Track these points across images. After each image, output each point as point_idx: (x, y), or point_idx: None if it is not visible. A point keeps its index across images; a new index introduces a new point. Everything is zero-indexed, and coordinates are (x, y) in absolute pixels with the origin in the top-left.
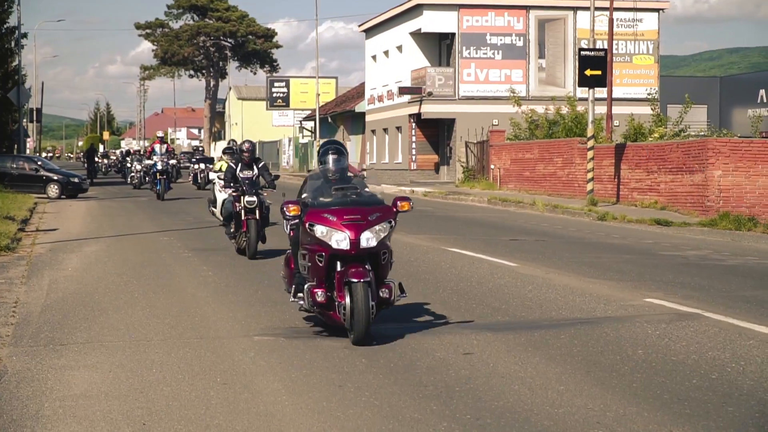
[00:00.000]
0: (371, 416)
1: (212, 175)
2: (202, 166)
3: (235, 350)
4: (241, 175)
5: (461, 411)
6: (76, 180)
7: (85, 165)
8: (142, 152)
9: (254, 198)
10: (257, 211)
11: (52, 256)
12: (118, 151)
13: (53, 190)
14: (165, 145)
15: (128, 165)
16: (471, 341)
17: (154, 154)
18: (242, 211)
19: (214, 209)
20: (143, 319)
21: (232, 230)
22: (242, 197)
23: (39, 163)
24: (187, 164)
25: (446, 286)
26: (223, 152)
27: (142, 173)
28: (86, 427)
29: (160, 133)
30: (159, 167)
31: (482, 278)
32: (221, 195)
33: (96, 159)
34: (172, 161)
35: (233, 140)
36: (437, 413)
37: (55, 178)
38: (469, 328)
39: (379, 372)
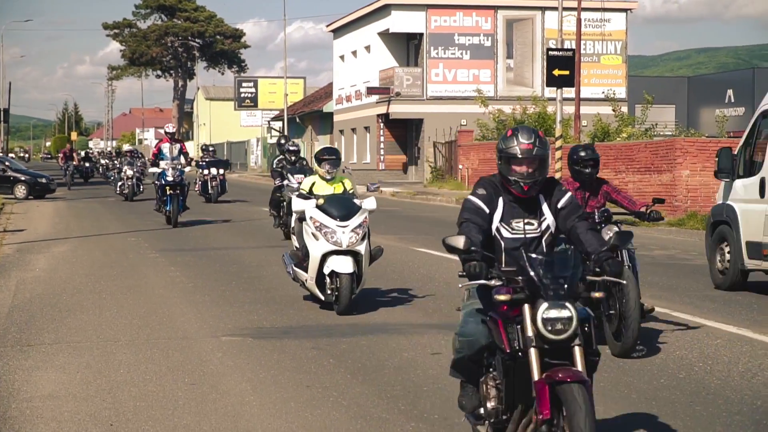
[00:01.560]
0: (339, 416)
1: (298, 204)
2: (214, 171)
3: (202, 350)
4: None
5: (429, 411)
6: (43, 180)
7: (66, 168)
8: (136, 153)
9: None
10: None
11: (20, 257)
12: (97, 151)
13: (20, 190)
14: (177, 144)
15: (117, 169)
16: (439, 341)
17: (162, 158)
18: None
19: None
20: (111, 319)
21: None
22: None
23: (6, 163)
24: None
25: (414, 286)
26: (293, 156)
27: (135, 181)
28: (54, 428)
29: (169, 128)
30: (169, 177)
31: (450, 278)
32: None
33: (74, 161)
34: (188, 168)
35: (284, 136)
36: (405, 413)
37: (23, 178)
38: (436, 328)
39: (347, 372)
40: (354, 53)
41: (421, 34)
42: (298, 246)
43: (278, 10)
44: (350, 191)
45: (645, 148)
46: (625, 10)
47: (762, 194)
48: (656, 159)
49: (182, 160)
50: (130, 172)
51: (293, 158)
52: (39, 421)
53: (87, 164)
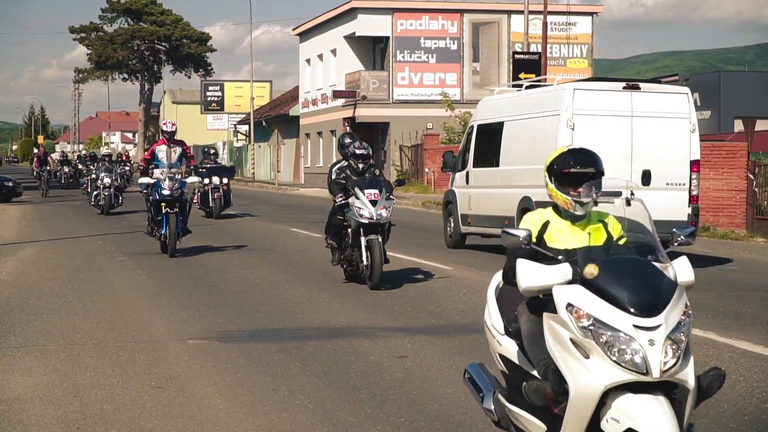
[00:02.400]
0: (305, 419)
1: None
2: (216, 180)
3: (169, 354)
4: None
5: (395, 414)
6: (9, 184)
7: (40, 173)
8: (115, 159)
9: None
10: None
11: None
12: (76, 155)
13: None
14: (178, 148)
15: (92, 176)
16: (405, 344)
17: (157, 164)
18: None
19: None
20: (78, 323)
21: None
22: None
23: None
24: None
25: (380, 290)
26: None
27: (112, 191)
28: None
29: (168, 125)
30: (165, 191)
31: (416, 282)
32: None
33: (50, 166)
34: (192, 179)
35: (350, 134)
36: (372, 416)
37: None
38: (403, 331)
39: (313, 375)
40: (320, 57)
41: (387, 38)
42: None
43: (246, 13)
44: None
45: None
46: (590, 14)
47: (467, 182)
48: None
49: (183, 167)
50: (107, 180)
51: (361, 166)
52: (6, 425)
53: (66, 168)
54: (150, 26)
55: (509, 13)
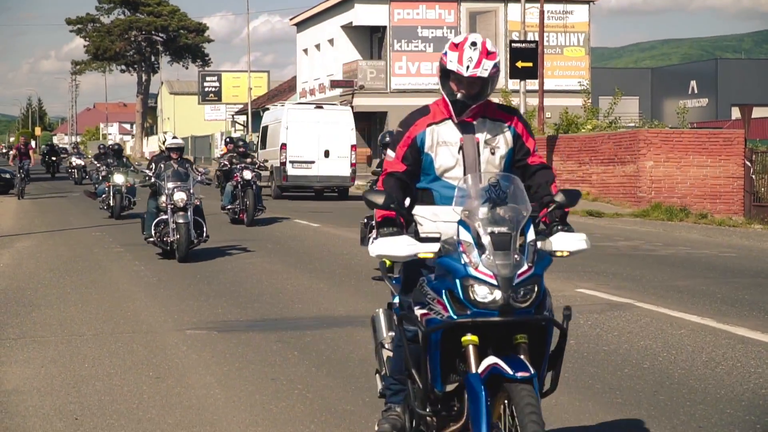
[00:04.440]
0: (304, 408)
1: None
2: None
3: (167, 344)
4: None
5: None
6: (7, 176)
7: (20, 168)
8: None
9: None
10: None
11: None
12: (69, 146)
13: None
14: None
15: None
16: None
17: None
18: None
19: None
20: (75, 314)
21: None
22: None
23: None
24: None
25: (378, 280)
26: None
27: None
28: (18, 423)
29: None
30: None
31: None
32: None
33: (31, 160)
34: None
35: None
36: (370, 404)
37: None
38: None
39: (312, 365)
40: (317, 47)
41: (385, 27)
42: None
43: (245, 3)
44: None
45: (609, 139)
46: (587, 2)
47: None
48: (620, 150)
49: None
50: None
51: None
52: (4, 416)
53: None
54: (147, 17)
55: (506, 1)
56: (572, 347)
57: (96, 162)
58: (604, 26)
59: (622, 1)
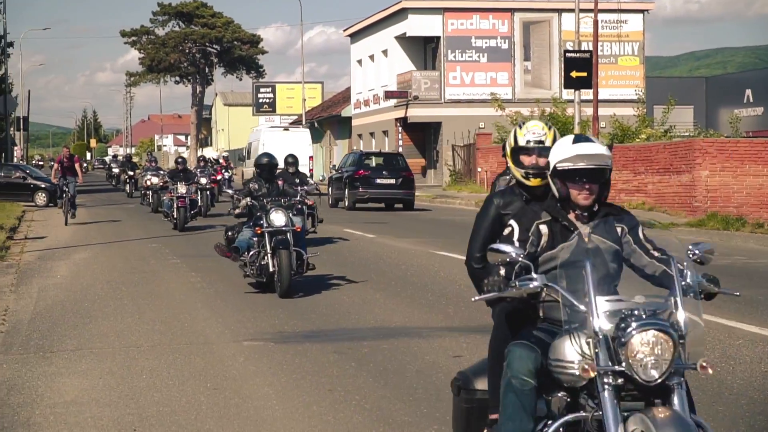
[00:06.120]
0: (361, 420)
1: None
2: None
3: (224, 355)
4: None
5: (451, 413)
6: (45, 185)
7: (61, 186)
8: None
9: None
10: None
11: (41, 263)
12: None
13: (41, 197)
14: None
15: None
16: (460, 344)
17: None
18: None
19: None
20: (132, 325)
21: None
22: None
23: (27, 171)
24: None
25: (434, 290)
26: None
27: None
28: None
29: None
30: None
31: (471, 282)
32: None
33: (79, 177)
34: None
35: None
36: (427, 416)
37: (43, 186)
38: (458, 331)
39: (369, 376)
40: (371, 57)
41: (438, 38)
42: None
43: (298, 14)
44: None
45: (664, 149)
46: (642, 11)
47: None
48: (675, 160)
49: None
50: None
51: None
52: (63, 427)
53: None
54: (201, 29)
55: (560, 11)
56: None
57: (170, 179)
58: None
59: (678, 9)
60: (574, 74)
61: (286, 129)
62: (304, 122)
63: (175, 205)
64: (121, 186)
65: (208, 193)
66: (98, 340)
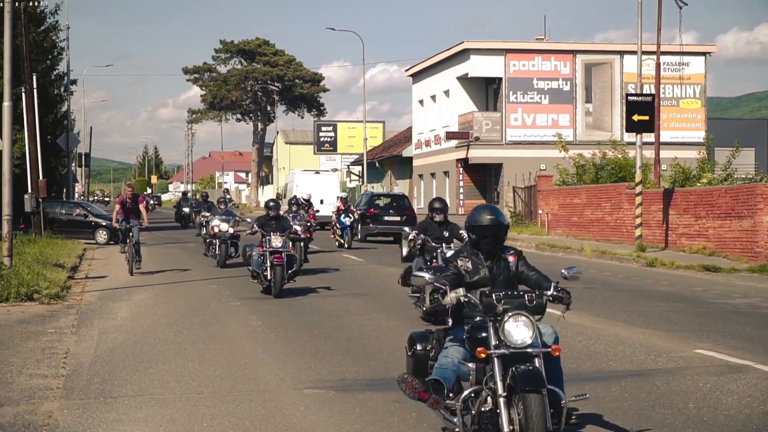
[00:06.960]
0: None
1: None
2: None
3: (285, 404)
4: None
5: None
6: (105, 223)
7: (124, 231)
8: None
9: None
10: None
11: (102, 304)
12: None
13: (102, 235)
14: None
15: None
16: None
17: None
18: None
19: None
20: (193, 371)
21: None
22: None
23: (87, 208)
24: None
25: None
26: None
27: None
28: None
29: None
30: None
31: None
32: None
33: (143, 219)
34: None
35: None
36: None
37: (104, 223)
38: None
39: (429, 427)
40: (433, 98)
41: (500, 79)
42: None
43: (360, 53)
44: None
45: (725, 193)
46: (704, 54)
47: None
48: (736, 204)
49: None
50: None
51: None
52: None
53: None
54: (263, 67)
55: (622, 53)
56: (692, 411)
57: (261, 228)
58: (719, 75)
59: (740, 50)
60: (636, 117)
61: (317, 172)
62: (365, 162)
63: (268, 263)
64: (196, 229)
65: (301, 244)
66: (159, 386)
